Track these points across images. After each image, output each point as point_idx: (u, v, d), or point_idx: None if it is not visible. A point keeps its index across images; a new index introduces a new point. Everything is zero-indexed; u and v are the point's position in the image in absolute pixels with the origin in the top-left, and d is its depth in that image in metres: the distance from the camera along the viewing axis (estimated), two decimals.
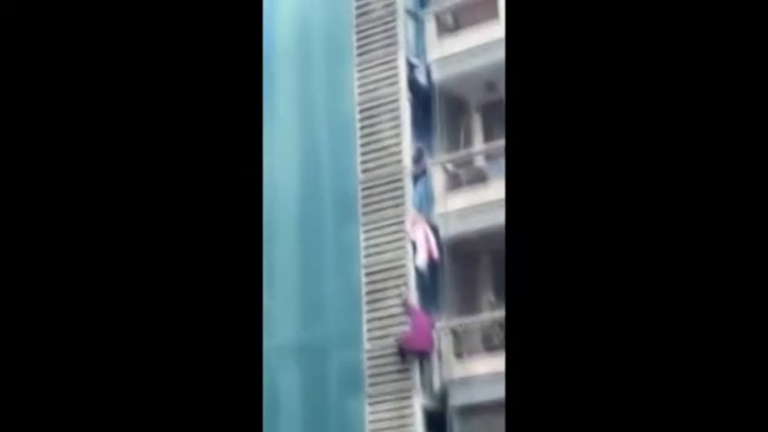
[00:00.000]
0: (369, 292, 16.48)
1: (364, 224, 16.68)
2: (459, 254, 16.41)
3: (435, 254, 16.11)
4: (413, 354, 15.85)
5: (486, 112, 17.07)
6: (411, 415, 15.79)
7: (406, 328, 15.87)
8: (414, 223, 16.19)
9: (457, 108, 17.16)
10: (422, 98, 16.92)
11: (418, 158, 16.70)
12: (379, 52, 17.15)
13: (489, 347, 15.86)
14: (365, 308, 16.43)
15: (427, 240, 16.09)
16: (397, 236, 16.38)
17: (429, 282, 16.40)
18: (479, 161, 16.95)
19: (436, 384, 16.01)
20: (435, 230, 16.30)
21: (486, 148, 16.90)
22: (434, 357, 15.99)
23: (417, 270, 16.16)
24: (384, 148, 16.81)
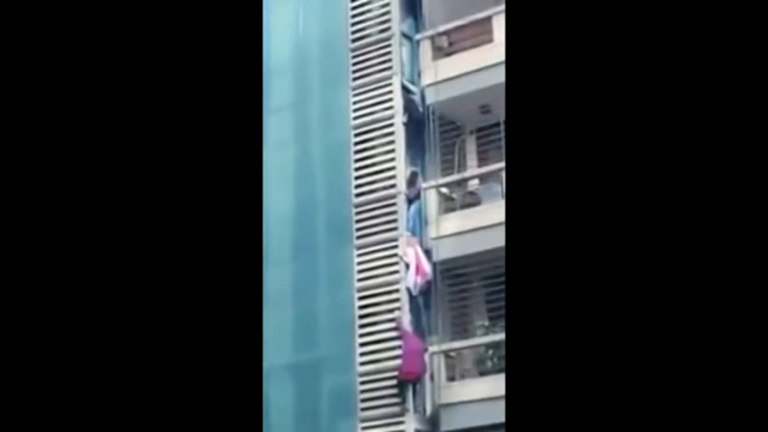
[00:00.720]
0: (362, 316, 16.44)
1: (358, 247, 16.67)
2: (452, 277, 16.38)
3: (428, 275, 16.07)
4: (405, 379, 15.78)
5: (481, 135, 17.08)
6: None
7: (399, 353, 15.82)
8: (407, 245, 16.17)
9: (451, 131, 17.17)
10: (416, 121, 16.93)
11: (412, 181, 16.70)
12: (375, 76, 17.17)
13: (482, 372, 15.82)
14: (358, 331, 16.40)
15: (420, 262, 16.06)
16: (390, 259, 16.37)
17: (422, 305, 16.35)
18: (473, 185, 16.94)
19: (428, 408, 15.92)
20: (428, 253, 16.27)
21: (480, 172, 16.89)
22: (427, 381, 15.92)
23: (409, 292, 16.11)
24: (378, 171, 16.83)
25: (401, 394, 15.78)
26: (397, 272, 16.25)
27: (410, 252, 16.10)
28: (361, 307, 16.46)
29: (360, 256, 16.64)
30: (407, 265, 16.09)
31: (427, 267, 16.08)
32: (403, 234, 16.36)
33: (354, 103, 17.26)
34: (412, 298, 16.19)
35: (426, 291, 16.18)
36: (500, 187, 15.64)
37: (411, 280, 16.02)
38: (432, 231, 16.39)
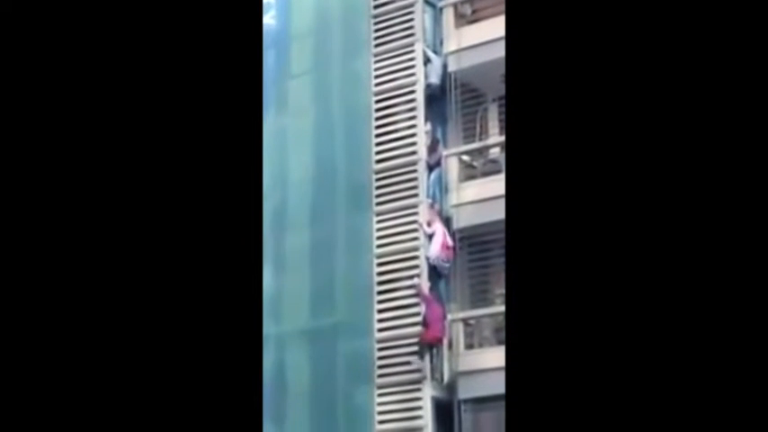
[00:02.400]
0: (380, 282, 16.41)
1: (377, 213, 16.62)
2: (472, 245, 16.33)
3: (451, 251, 16.01)
4: (425, 344, 15.76)
5: (503, 103, 16.97)
6: (420, 407, 15.71)
7: (417, 320, 15.82)
8: (433, 217, 16.11)
9: (473, 99, 17.08)
10: (438, 89, 16.83)
11: (433, 149, 16.62)
12: (397, 43, 17.07)
13: (501, 340, 15.73)
14: (376, 297, 16.37)
15: (446, 239, 15.99)
16: (410, 226, 16.31)
17: (442, 273, 16.32)
18: (495, 153, 16.86)
19: (446, 376, 15.92)
20: (448, 221, 16.23)
21: (501, 140, 16.80)
22: (445, 349, 15.90)
23: (429, 262, 16.07)
24: (399, 138, 16.75)
25: (422, 358, 15.73)
26: (416, 239, 16.20)
27: (438, 227, 16.03)
28: (380, 273, 16.43)
29: (379, 222, 16.59)
30: (430, 237, 16.01)
31: (449, 239, 16.03)
32: (423, 201, 16.30)
33: (376, 69, 17.15)
34: (431, 266, 16.14)
35: (447, 261, 16.12)
36: None
37: (434, 253, 15.96)
38: (452, 199, 16.35)
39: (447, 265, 16.06)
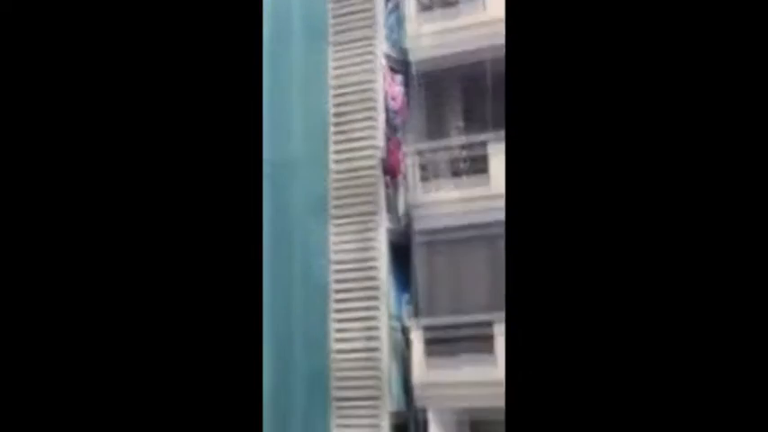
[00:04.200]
0: (336, 114, 16.31)
1: (333, 44, 16.42)
2: (428, 77, 16.21)
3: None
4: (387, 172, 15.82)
5: None
6: (375, 238, 15.83)
7: (372, 153, 15.83)
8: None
9: None
10: None
11: None
12: None
13: (456, 172, 15.81)
14: (332, 129, 16.29)
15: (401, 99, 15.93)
16: (366, 57, 16.14)
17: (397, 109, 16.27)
18: None
19: (401, 208, 16.02)
20: (405, 53, 16.10)
21: None
22: (400, 182, 15.97)
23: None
24: None
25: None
26: (372, 71, 16.06)
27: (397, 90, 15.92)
28: (336, 105, 16.33)
29: (336, 53, 16.41)
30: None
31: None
32: (380, 32, 16.10)
33: None
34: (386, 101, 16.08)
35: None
36: None
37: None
38: (410, 30, 16.14)
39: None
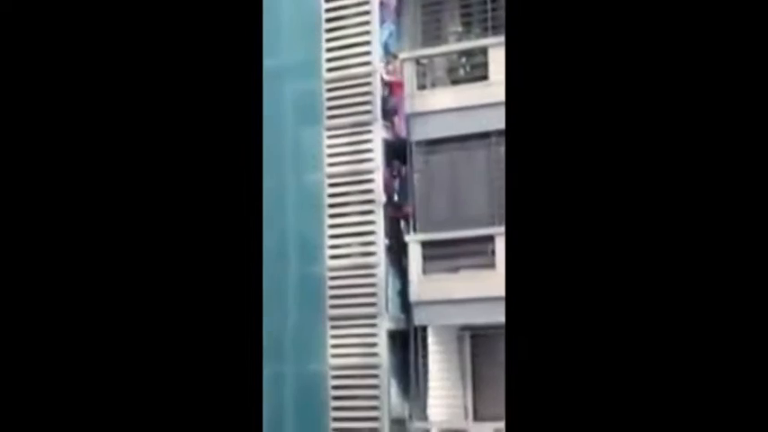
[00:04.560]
0: (328, 20, 15.72)
1: None
2: None
3: None
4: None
5: None
6: (370, 149, 15.42)
7: (367, 59, 15.29)
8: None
9: None
10: None
11: None
12: None
13: (454, 80, 15.36)
14: (324, 36, 15.74)
15: None
16: None
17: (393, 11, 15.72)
18: None
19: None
20: None
21: None
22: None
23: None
24: None
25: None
26: None
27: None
28: (328, 10, 15.73)
29: None
30: None
31: None
32: None
33: None
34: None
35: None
36: None
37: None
38: None
39: None
